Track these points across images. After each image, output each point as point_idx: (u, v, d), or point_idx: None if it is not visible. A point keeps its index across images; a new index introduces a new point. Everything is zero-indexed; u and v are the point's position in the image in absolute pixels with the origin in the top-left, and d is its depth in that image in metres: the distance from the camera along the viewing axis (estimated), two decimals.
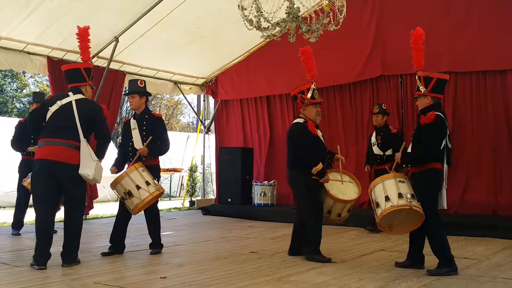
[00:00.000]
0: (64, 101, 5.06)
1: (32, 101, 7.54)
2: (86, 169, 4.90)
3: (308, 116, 5.58)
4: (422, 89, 4.87)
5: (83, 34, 5.40)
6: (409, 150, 4.98)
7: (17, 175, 7.41)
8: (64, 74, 5.40)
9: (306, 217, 5.50)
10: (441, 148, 4.75)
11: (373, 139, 7.83)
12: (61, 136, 4.90)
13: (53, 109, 5.02)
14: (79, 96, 5.16)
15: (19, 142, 7.29)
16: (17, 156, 7.54)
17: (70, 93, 5.17)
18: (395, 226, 4.90)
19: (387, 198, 4.75)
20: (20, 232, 7.29)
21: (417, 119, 4.99)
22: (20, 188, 7.24)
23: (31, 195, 5.04)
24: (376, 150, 7.75)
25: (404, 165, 4.98)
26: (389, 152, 7.60)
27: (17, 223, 7.33)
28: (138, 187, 5.38)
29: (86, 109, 5.07)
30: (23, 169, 7.22)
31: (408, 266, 4.96)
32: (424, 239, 4.92)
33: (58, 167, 4.84)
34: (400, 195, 4.70)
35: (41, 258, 4.80)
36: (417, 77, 4.95)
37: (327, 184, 5.44)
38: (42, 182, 4.87)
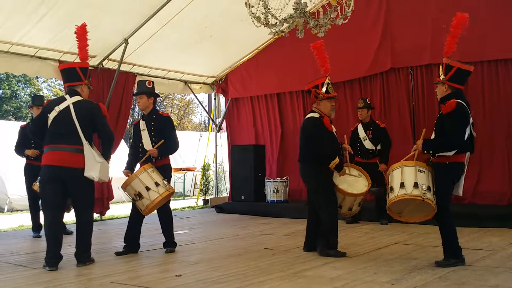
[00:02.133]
0: (62, 106, 5.08)
1: (32, 104, 7.61)
2: (91, 172, 5.00)
3: (322, 111, 5.51)
4: (441, 76, 4.77)
5: (81, 33, 5.38)
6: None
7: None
8: (61, 73, 5.42)
9: (320, 211, 5.45)
10: (466, 138, 4.63)
11: (362, 133, 7.88)
12: (64, 142, 4.98)
13: (52, 115, 5.06)
14: (76, 98, 5.16)
15: (20, 147, 7.43)
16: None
17: (67, 96, 5.17)
18: (405, 213, 4.88)
19: (402, 185, 4.69)
20: (40, 234, 7.42)
21: (438, 108, 4.87)
22: (29, 192, 7.37)
23: (40, 199, 5.06)
24: (368, 144, 7.85)
25: (425, 152, 4.80)
26: (379, 146, 7.81)
27: (35, 226, 7.49)
28: (147, 188, 5.43)
29: (84, 111, 5.12)
30: (28, 173, 7.39)
31: None
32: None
33: (64, 172, 4.94)
34: (416, 185, 4.63)
35: (51, 260, 4.88)
36: (441, 63, 4.85)
37: (336, 178, 5.44)
38: (50, 188, 4.97)
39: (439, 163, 4.73)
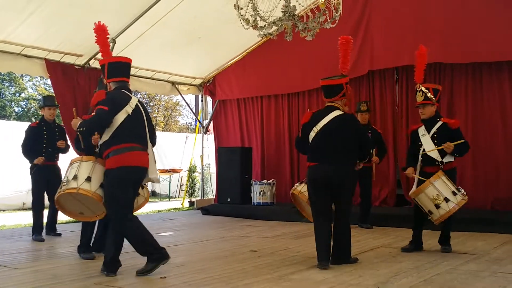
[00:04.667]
0: (133, 103, 4.75)
1: (43, 105, 7.48)
2: (153, 174, 4.83)
3: (343, 109, 5.17)
4: (432, 98, 5.51)
5: (100, 31, 4.94)
6: (430, 148, 5.55)
7: (14, 179, 7.36)
8: (109, 67, 4.84)
9: (348, 216, 5.12)
10: None
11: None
12: (139, 141, 4.71)
13: (129, 110, 4.67)
14: (136, 97, 4.93)
15: (28, 148, 7.19)
16: (16, 159, 7.48)
17: (127, 92, 4.82)
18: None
19: (454, 193, 5.41)
20: (43, 237, 7.12)
21: (426, 124, 5.62)
22: (36, 191, 7.22)
23: (117, 201, 4.59)
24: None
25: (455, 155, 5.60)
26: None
27: (37, 227, 7.24)
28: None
29: (146, 113, 4.93)
30: (38, 173, 7.15)
31: (412, 250, 5.68)
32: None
33: (145, 173, 4.76)
34: (454, 193, 5.41)
35: (116, 264, 4.67)
36: (424, 88, 5.53)
37: None
38: (132, 190, 4.69)
39: (452, 169, 5.61)
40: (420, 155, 5.61)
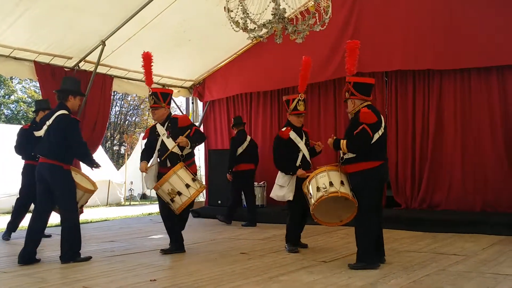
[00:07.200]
0: None
1: (41, 108, 7.43)
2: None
3: None
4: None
5: (146, 60, 6.03)
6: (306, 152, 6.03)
7: (4, 183, 7.37)
8: (171, 96, 6.24)
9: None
10: None
11: None
12: None
13: None
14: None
15: (22, 147, 7.26)
16: (6, 162, 7.47)
17: None
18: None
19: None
20: (9, 237, 7.25)
21: (298, 130, 6.06)
22: (24, 193, 7.22)
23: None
24: None
25: None
26: None
27: (14, 228, 7.30)
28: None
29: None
30: (31, 174, 7.18)
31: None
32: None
33: None
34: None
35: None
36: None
37: None
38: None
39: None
40: (299, 159, 6.00)
